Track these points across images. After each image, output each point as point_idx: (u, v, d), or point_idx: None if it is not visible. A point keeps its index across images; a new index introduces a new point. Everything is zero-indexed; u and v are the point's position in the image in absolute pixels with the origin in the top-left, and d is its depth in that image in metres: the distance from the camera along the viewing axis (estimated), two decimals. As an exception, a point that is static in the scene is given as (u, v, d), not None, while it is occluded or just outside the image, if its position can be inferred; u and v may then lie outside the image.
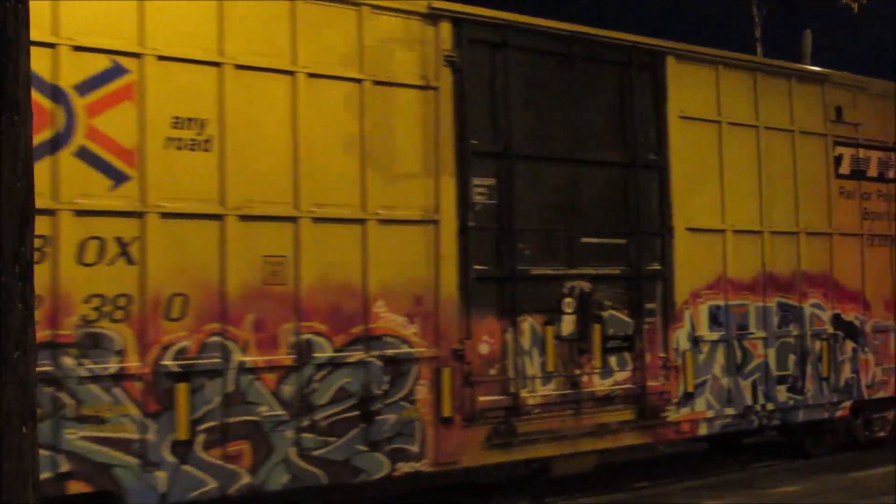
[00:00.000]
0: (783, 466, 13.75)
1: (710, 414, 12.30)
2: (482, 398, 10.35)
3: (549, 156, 11.10)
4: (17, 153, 4.60)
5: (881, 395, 14.46)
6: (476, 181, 10.54)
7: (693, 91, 12.44)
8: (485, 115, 10.68)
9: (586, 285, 11.24)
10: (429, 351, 10.02)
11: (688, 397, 12.06)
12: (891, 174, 14.88)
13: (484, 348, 10.45)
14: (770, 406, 12.94)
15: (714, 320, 12.44)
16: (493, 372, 10.51)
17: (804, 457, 14.09)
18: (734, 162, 12.78)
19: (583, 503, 11.72)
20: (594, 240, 11.38)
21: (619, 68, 11.76)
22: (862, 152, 14.46)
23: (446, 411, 10.10)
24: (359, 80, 9.75)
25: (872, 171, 14.63)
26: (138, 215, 8.47)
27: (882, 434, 14.83)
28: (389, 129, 9.94)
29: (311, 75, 9.43)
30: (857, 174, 14.38)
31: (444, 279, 10.19)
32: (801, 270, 13.44)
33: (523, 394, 10.64)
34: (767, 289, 13.01)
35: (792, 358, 13.28)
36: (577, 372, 11.09)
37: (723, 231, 12.60)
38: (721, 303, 12.52)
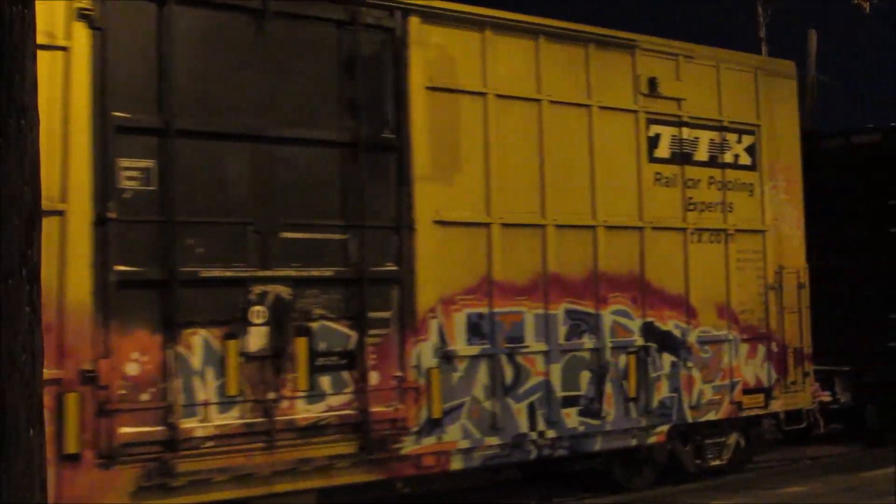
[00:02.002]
0: (790, 467, 14.00)
1: (465, 444, 10.64)
2: (125, 430, 8.69)
3: (234, 132, 9.46)
4: (24, 157, 4.71)
5: (711, 417, 12.79)
6: (125, 163, 8.90)
7: (448, 57, 10.81)
8: (142, 84, 9.05)
9: (285, 290, 9.58)
10: (47, 372, 8.36)
11: (434, 425, 10.40)
12: (727, 158, 13.23)
13: (132, 369, 8.80)
14: (552, 433, 11.28)
15: (475, 331, 10.80)
16: (145, 398, 8.86)
17: (619, 489, 12.45)
18: (505, 142, 11.14)
19: (590, 503, 11.92)
20: (300, 235, 9.74)
21: (338, 28, 10.12)
22: (687, 132, 12.80)
23: (71, 447, 8.46)
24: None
25: (701, 155, 12.96)
26: None
27: (718, 462, 13.18)
28: None
29: None
30: (680, 157, 12.71)
31: (72, 283, 8.54)
32: (600, 271, 11.79)
33: (187, 424, 8.98)
34: (551, 293, 11.35)
35: (585, 375, 11.62)
36: (272, 396, 9.44)
37: (487, 225, 10.95)
38: (485, 310, 10.87)
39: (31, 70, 4.83)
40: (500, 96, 11.14)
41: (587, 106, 11.87)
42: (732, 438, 13.38)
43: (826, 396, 15.66)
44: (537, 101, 11.45)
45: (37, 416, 4.84)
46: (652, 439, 12.23)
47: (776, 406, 13.51)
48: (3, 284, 4.77)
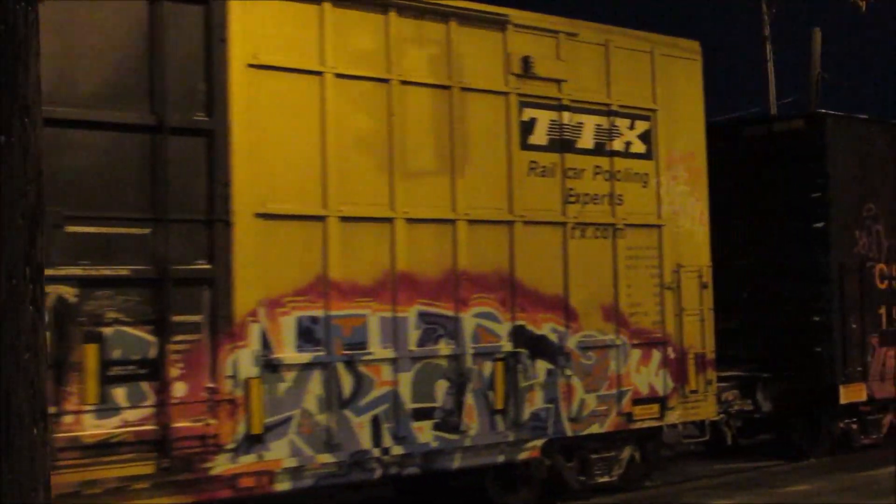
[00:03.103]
0: (794, 466, 14.14)
1: (293, 463, 9.75)
2: None
3: (8, 114, 8.57)
4: (27, 156, 4.77)
5: (595, 430, 11.91)
6: None
7: (277, 32, 9.94)
8: None
9: (69, 291, 8.69)
10: None
11: (253, 442, 9.50)
12: (616, 145, 12.34)
13: None
14: (399, 450, 10.39)
15: (307, 337, 9.90)
16: None
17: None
18: (347, 127, 10.26)
19: (598, 502, 12.00)
20: (90, 229, 8.85)
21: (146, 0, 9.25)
22: (568, 117, 11.91)
23: None
24: None
25: (585, 142, 12.07)
26: None
27: (606, 479, 12.29)
28: None
29: None
30: (560, 145, 11.83)
31: None
32: (460, 270, 10.91)
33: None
34: (401, 294, 10.47)
35: (442, 385, 10.73)
36: (52, 411, 8.55)
37: (323, 218, 10.07)
38: (319, 313, 9.98)
39: (35, 68, 4.91)
40: (340, 76, 10.25)
41: (447, 87, 10.98)
42: (626, 453, 12.50)
43: (746, 405, 14.82)
44: (386, 81, 10.57)
45: (40, 415, 4.89)
46: (523, 455, 11.35)
47: (673, 417, 12.62)
48: (6, 283, 4.80)
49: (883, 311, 15.29)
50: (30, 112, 4.85)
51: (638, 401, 12.27)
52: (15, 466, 4.76)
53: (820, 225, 14.71)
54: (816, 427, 15.14)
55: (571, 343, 11.70)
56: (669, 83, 12.86)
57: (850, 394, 14.70)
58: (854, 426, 15.26)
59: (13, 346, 4.78)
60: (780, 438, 15.42)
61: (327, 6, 10.21)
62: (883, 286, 15.34)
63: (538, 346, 11.43)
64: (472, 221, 11.01)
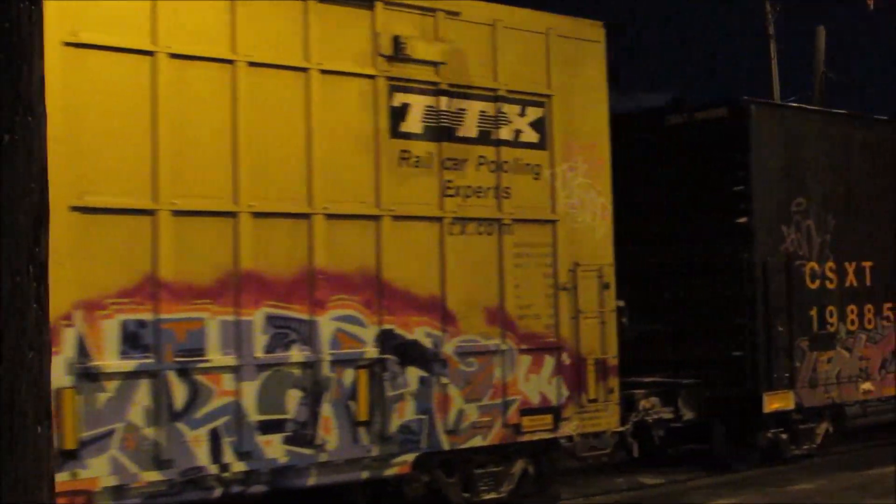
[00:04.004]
0: (798, 464, 14.21)
1: (114, 481, 9.00)
2: None
3: None
4: (31, 154, 4.85)
5: (477, 443, 11.15)
6: None
7: (99, 7, 9.19)
8: None
9: None
10: None
11: (67, 458, 8.76)
12: (504, 134, 11.58)
13: None
14: (242, 466, 9.64)
15: (133, 343, 9.15)
16: None
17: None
18: (183, 112, 9.50)
19: (598, 501, 12.24)
20: None
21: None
22: (447, 102, 11.15)
23: None
24: None
25: (468, 130, 11.30)
26: None
27: (494, 495, 11.53)
28: None
29: None
30: (438, 133, 11.07)
31: None
32: (317, 269, 10.15)
33: None
34: (246, 295, 9.72)
35: (294, 395, 9.97)
36: None
37: (153, 212, 9.32)
38: (148, 317, 9.22)
39: (39, 66, 4.95)
40: (176, 56, 9.50)
41: (304, 69, 10.22)
42: (517, 467, 11.75)
43: (667, 413, 14.07)
44: (230, 62, 9.81)
45: (44, 414, 4.97)
46: (392, 471, 10.59)
47: (569, 429, 11.85)
48: (10, 282, 4.85)
49: (814, 312, 14.51)
50: (33, 110, 4.89)
51: (528, 411, 11.51)
52: (19, 465, 4.82)
53: (743, 220, 13.94)
54: (741, 437, 14.36)
55: (448, 348, 10.94)
56: (568, 67, 12.10)
57: (775, 402, 13.93)
58: (783, 436, 14.47)
59: (17, 345, 4.83)
60: (704, 449, 14.65)
61: (161, -21, 9.47)
62: (814, 286, 14.57)
63: (409, 352, 10.68)
64: (331, 216, 10.25)
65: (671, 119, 14.73)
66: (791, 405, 14.14)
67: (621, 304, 14.54)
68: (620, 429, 12.52)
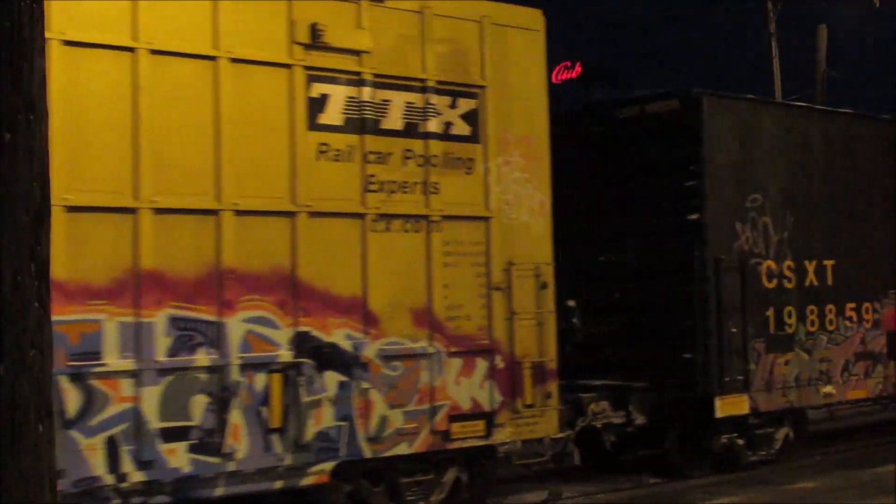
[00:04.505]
0: (801, 463, 14.35)
1: (-2, 493, 8.60)
2: None
3: None
4: (32, 152, 4.90)
5: (402, 450, 10.73)
6: None
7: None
8: None
9: None
10: None
11: (-55, 469, 8.36)
12: (433, 126, 11.15)
13: None
14: (141, 476, 9.22)
15: (21, 346, 8.74)
16: None
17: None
18: (75, 102, 9.09)
19: (600, 499, 12.38)
20: None
21: None
22: (371, 93, 10.73)
23: None
24: None
25: (393, 122, 10.88)
26: None
27: (423, 505, 11.13)
28: None
29: None
30: (360, 125, 10.65)
31: None
32: (226, 267, 9.73)
33: None
34: (146, 296, 9.30)
35: (199, 401, 9.55)
36: None
37: (44, 208, 8.90)
38: (37, 319, 8.81)
39: (40, 64, 4.99)
40: (69, 43, 9.09)
41: (212, 58, 9.81)
42: (449, 475, 11.33)
43: (618, 418, 13.66)
44: (131, 50, 9.40)
45: (46, 412, 4.98)
46: (308, 480, 10.17)
47: (503, 435, 11.43)
48: (12, 280, 4.89)
49: (771, 313, 14.05)
50: (35, 109, 4.91)
51: (458, 417, 11.09)
52: (21, 463, 4.84)
53: (694, 217, 13.49)
54: (695, 443, 13.92)
55: (370, 351, 10.52)
56: (504, 57, 11.67)
57: (728, 407, 13.48)
58: (739, 441, 14.04)
59: (18, 343, 4.84)
60: (657, 455, 14.22)
61: (54, -38, 9.04)
62: (771, 285, 14.11)
63: (327, 356, 10.26)
64: (241, 212, 9.84)
65: (623, 112, 14.29)
66: (745, 410, 13.70)
67: (572, 304, 14.17)
68: (560, 435, 12.10)
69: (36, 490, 4.92)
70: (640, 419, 13.75)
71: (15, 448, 4.86)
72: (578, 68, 27.08)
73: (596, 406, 13.53)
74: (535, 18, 12.02)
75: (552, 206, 11.99)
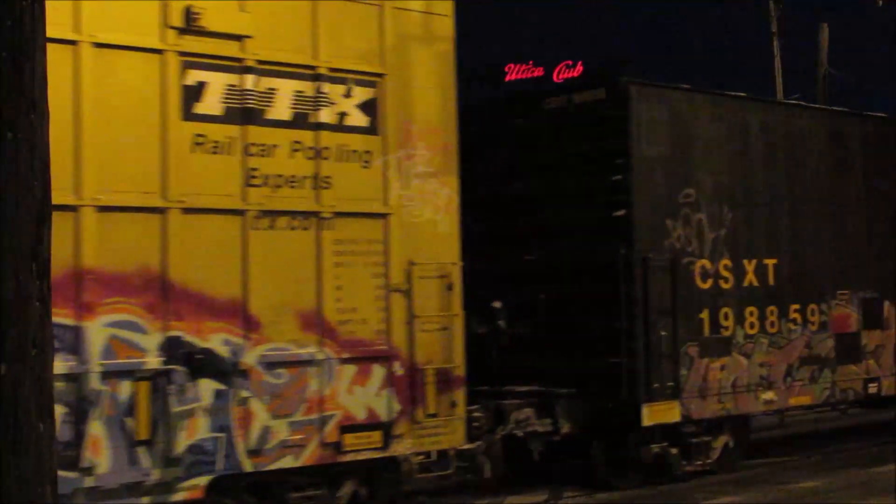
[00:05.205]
0: (804, 462, 14.70)
1: None
2: None
3: None
4: (34, 151, 5.00)
5: (287, 463, 10.16)
6: None
7: None
8: None
9: None
10: None
11: None
12: (325, 117, 10.57)
13: None
14: (-17, 494, 8.67)
15: None
16: None
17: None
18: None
19: (601, 498, 12.58)
20: None
21: None
22: (254, 81, 10.15)
23: None
24: None
25: (279, 112, 10.31)
26: None
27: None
28: None
29: None
30: (242, 115, 10.07)
31: None
32: (85, 268, 9.16)
33: None
34: (-6, 299, 8.74)
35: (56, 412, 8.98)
36: None
37: None
38: None
39: (42, 63, 5.05)
40: None
41: (73, 42, 9.23)
42: (346, 489, 10.78)
43: (544, 425, 13.13)
44: (-22, 33, 8.81)
45: (47, 411, 5.02)
46: (179, 496, 9.60)
47: (403, 447, 10.87)
48: (13, 279, 4.92)
49: (706, 315, 13.49)
50: (36, 107, 4.97)
51: (351, 427, 10.53)
52: (21, 462, 4.88)
53: (621, 213, 12.93)
54: (623, 453, 13.35)
55: (251, 358, 9.96)
56: (405, 43, 11.11)
57: (657, 414, 12.92)
58: (673, 451, 13.46)
59: (20, 342, 4.88)
60: (585, 465, 13.65)
61: None
62: (706, 286, 13.54)
63: (202, 363, 9.69)
64: (103, 208, 9.27)
65: (550, 102, 13.72)
66: (676, 417, 13.13)
67: (498, 305, 13.66)
68: (468, 446, 11.54)
69: (37, 489, 4.96)
70: (566, 427, 13.21)
71: (16, 448, 4.90)
72: (580, 67, 26.87)
73: (519, 414, 13.00)
74: (442, 3, 11.45)
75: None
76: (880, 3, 27.60)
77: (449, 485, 12.96)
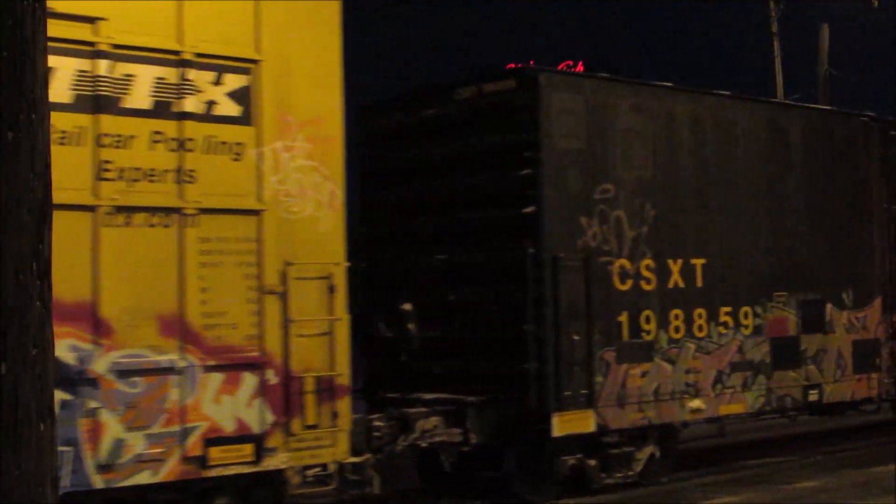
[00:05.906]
0: (803, 461, 14.90)
1: None
2: None
3: None
4: (35, 151, 4.96)
5: (144, 479, 9.54)
6: None
7: None
8: None
9: None
10: None
11: None
12: (191, 106, 9.96)
13: None
14: None
15: None
16: None
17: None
18: None
19: (601, 500, 12.56)
20: None
21: None
22: (108, 66, 9.54)
23: None
24: None
25: (138, 101, 9.69)
26: None
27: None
28: None
29: None
30: (94, 103, 9.45)
31: None
32: None
33: None
34: None
35: None
36: None
37: None
38: None
39: (42, 63, 5.01)
40: None
41: None
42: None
43: (454, 435, 12.54)
44: None
45: (48, 411, 4.99)
46: (14, 517, 8.98)
47: (277, 461, 10.24)
48: (14, 279, 4.92)
49: (625, 318, 12.86)
50: (37, 108, 4.96)
51: (218, 440, 9.92)
52: (22, 463, 4.90)
53: (530, 210, 12.31)
54: (535, 464, 12.73)
55: (101, 366, 9.34)
56: (285, 27, 10.48)
57: (568, 424, 12.29)
58: (591, 462, 12.84)
59: (20, 342, 4.90)
60: (499, 478, 13.05)
61: None
62: (625, 287, 12.91)
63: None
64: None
65: (461, 92, 13.10)
66: (591, 428, 12.50)
67: (408, 307, 13.14)
68: (354, 459, 10.91)
69: (37, 490, 4.95)
70: (476, 437, 12.60)
71: (17, 448, 4.89)
72: (581, 67, 26.66)
73: (425, 423, 12.39)
74: (324, -18, 10.84)
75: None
76: (876, 3, 27.53)
77: (348, 499, 12.36)
